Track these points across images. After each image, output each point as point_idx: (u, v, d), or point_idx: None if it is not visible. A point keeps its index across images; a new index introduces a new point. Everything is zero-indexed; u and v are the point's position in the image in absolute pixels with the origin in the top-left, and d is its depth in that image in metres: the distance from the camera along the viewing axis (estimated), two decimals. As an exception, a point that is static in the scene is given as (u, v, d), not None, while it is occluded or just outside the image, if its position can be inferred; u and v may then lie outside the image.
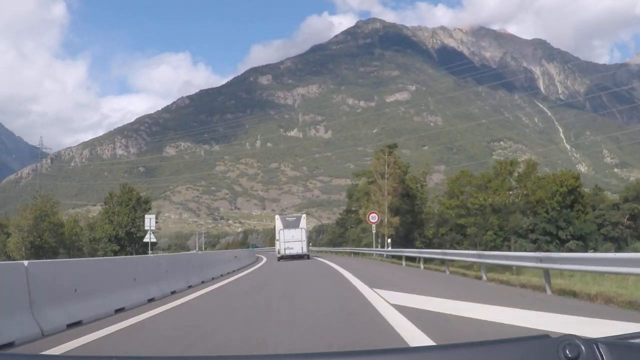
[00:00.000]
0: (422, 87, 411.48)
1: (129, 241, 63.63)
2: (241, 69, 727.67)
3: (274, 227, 44.50)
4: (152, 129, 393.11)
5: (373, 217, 40.18)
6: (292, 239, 38.81)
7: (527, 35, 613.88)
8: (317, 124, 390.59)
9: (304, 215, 42.63)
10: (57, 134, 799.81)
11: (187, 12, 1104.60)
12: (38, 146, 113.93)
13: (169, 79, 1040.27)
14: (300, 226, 39.62)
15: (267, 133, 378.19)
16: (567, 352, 1.24)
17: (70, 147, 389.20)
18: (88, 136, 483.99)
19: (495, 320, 7.18)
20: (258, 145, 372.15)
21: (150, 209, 66.43)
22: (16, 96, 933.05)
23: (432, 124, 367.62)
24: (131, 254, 58.81)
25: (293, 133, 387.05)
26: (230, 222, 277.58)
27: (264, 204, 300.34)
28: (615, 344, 1.30)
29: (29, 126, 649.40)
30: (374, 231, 41.08)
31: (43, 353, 5.51)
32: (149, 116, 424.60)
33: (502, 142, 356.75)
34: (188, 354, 5.50)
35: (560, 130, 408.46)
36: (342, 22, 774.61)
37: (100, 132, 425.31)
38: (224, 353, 5.14)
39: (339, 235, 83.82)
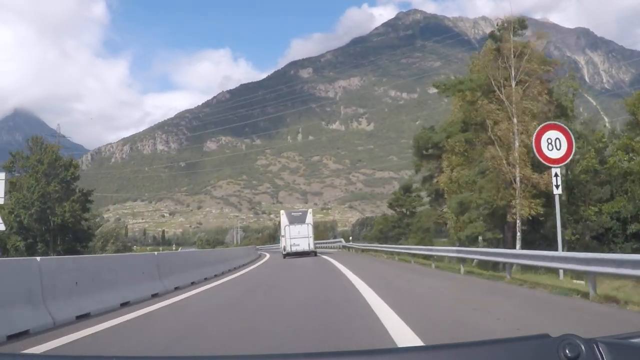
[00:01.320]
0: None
1: (44, 232, 35.59)
2: (281, 64, 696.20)
3: (279, 222, 42.00)
4: (193, 124, 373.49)
5: (561, 144, 10.87)
6: (298, 235, 34.77)
7: (569, 24, 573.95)
8: (359, 116, 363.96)
9: (310, 210, 38.16)
10: (99, 131, 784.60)
11: (227, 8, 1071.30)
12: (54, 130, 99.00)
13: (210, 75, 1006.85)
14: (306, 221, 35.56)
15: (308, 126, 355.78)
16: (567, 351, 1.17)
17: (110, 143, 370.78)
18: (130, 132, 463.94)
19: None
20: (299, 138, 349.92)
21: (78, 178, 37.81)
22: (59, 95, 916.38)
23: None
24: (46, 254, 31.69)
25: (335, 126, 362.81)
26: (272, 216, 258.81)
27: (306, 198, 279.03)
28: (615, 343, 1.23)
29: (72, 124, 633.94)
30: (557, 191, 11.52)
31: (43, 352, 5.32)
32: (189, 111, 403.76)
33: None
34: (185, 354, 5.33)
35: (606, 119, 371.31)
36: (383, 14, 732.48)
37: (142, 129, 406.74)
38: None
39: (394, 223, 52.43)
